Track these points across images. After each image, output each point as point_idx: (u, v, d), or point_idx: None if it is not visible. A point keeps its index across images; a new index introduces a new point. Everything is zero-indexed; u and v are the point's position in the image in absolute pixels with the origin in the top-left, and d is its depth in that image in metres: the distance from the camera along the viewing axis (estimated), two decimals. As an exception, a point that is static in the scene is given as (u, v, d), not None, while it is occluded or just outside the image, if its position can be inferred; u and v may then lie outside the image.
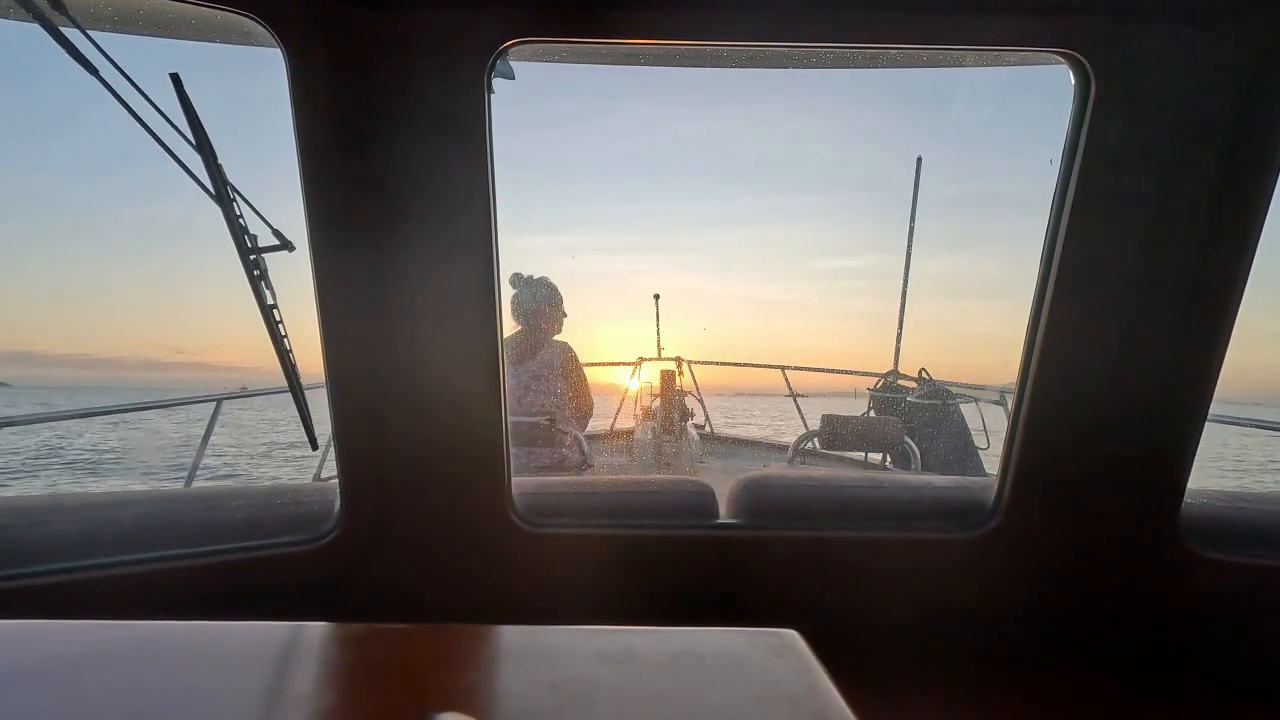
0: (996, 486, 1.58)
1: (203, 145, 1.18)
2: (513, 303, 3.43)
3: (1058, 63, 1.31)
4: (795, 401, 5.79)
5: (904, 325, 5.51)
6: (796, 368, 6.03)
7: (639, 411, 5.27)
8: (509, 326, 3.42)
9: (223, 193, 1.21)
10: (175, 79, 1.13)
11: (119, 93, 1.10)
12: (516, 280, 3.48)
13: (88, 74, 1.07)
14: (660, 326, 6.05)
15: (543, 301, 3.46)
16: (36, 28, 1.06)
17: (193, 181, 1.20)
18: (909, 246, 5.57)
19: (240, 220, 1.25)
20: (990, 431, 4.51)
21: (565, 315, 3.55)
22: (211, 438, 3.64)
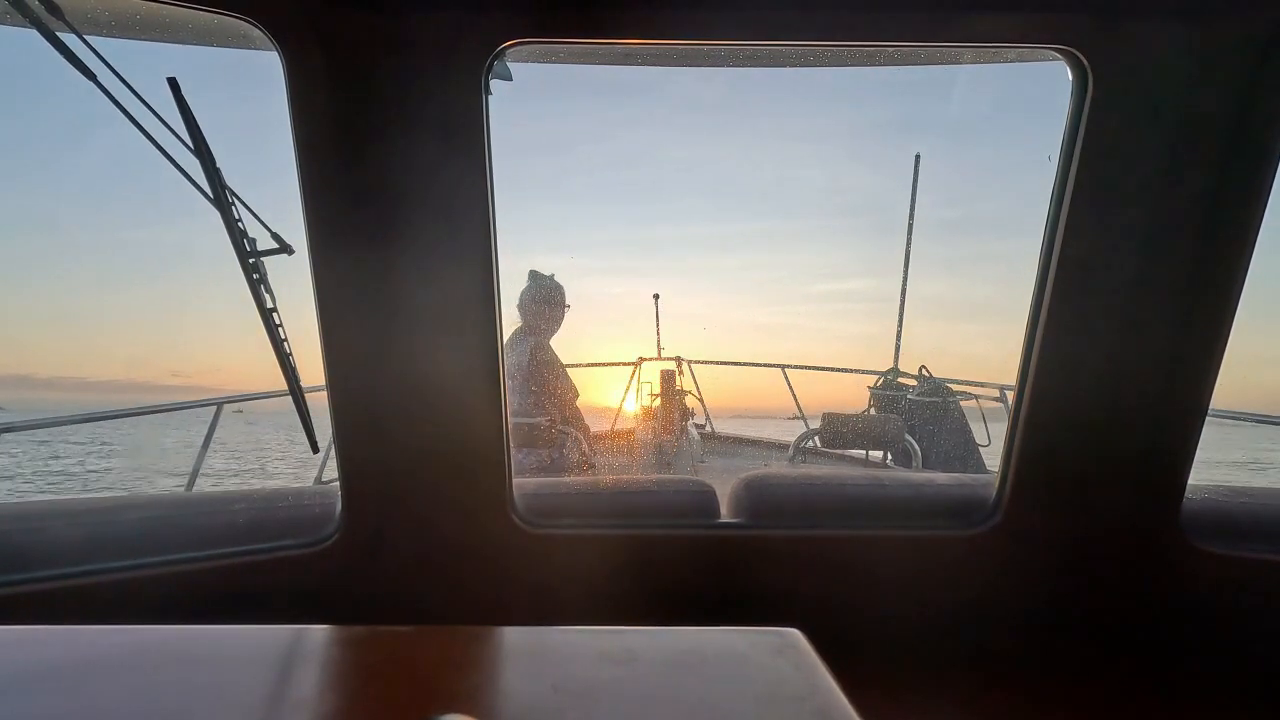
0: (998, 483, 1.58)
1: (201, 150, 1.18)
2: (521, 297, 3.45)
3: (1055, 59, 1.31)
4: (796, 402, 5.79)
5: (903, 324, 5.52)
6: (796, 366, 6.04)
7: (640, 412, 5.27)
8: (514, 322, 3.47)
9: (221, 197, 1.21)
10: (173, 83, 1.13)
11: (116, 98, 1.10)
12: (532, 276, 3.48)
13: (85, 80, 1.07)
14: (659, 328, 6.06)
15: (543, 300, 3.45)
16: (33, 33, 1.06)
17: (191, 192, 1.19)
18: (908, 243, 5.58)
19: (239, 224, 1.25)
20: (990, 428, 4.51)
21: (568, 306, 3.53)
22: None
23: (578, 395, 3.60)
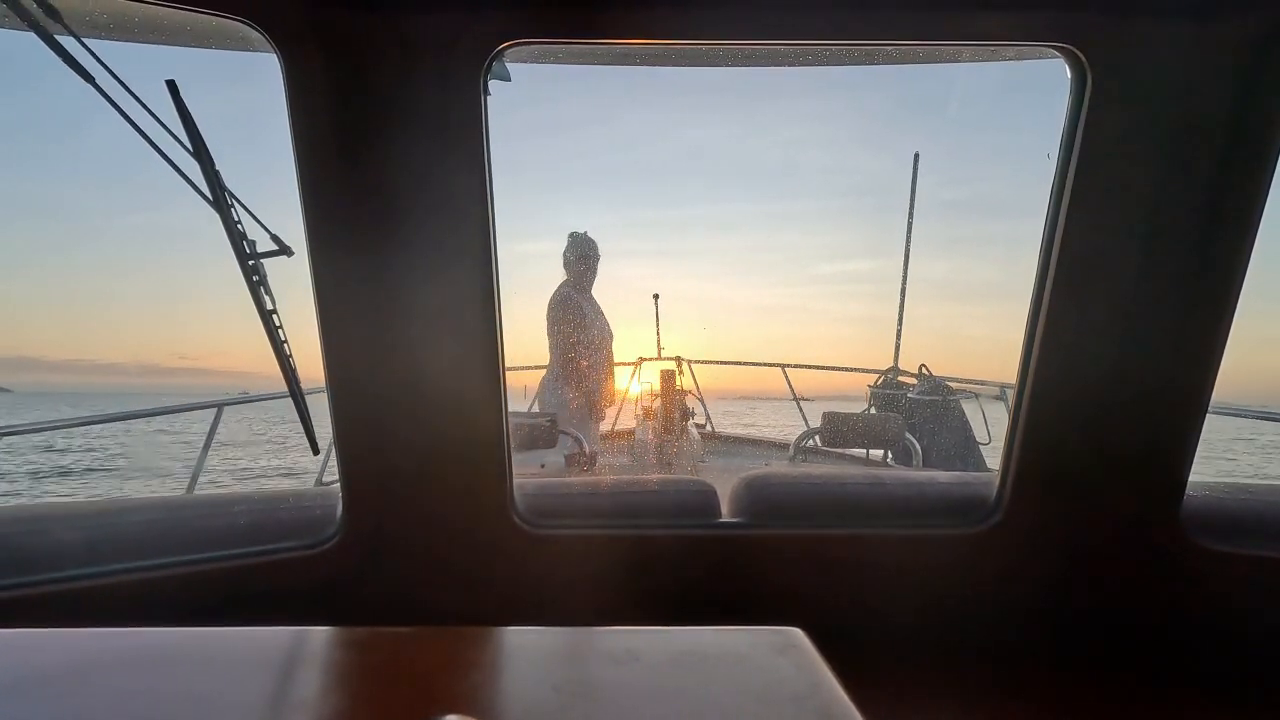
0: (998, 482, 1.57)
1: (200, 151, 1.18)
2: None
3: (1054, 57, 1.31)
4: (797, 402, 5.79)
5: (904, 321, 5.51)
6: (796, 365, 6.03)
7: (640, 412, 5.26)
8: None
9: (221, 199, 1.21)
10: (171, 85, 1.13)
11: (115, 100, 1.10)
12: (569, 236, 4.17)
13: (84, 82, 1.07)
14: (660, 327, 6.05)
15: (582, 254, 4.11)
16: (32, 36, 1.06)
17: (190, 189, 1.20)
18: (908, 240, 5.57)
19: (239, 226, 1.25)
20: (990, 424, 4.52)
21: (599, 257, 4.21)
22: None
23: (612, 337, 4.29)
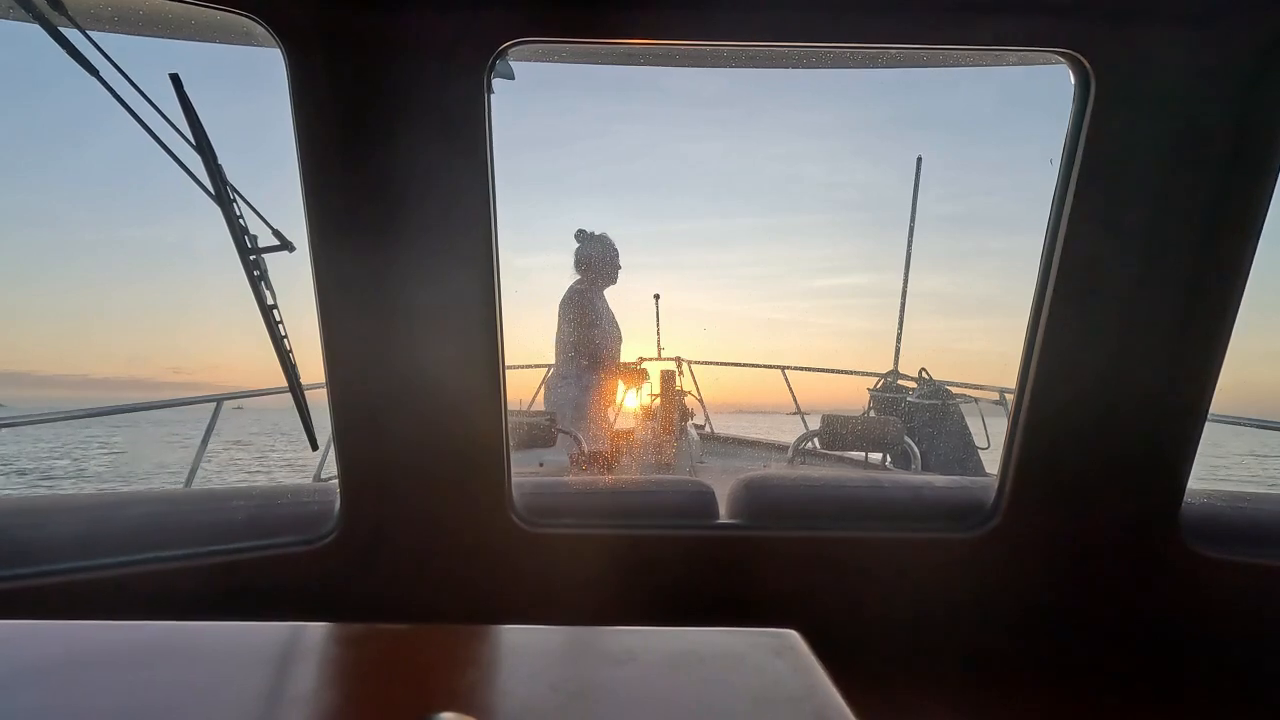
0: (997, 486, 1.57)
1: (203, 146, 1.18)
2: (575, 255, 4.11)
3: (1058, 63, 1.31)
4: (796, 403, 5.79)
5: (903, 326, 5.51)
6: (796, 367, 6.04)
7: (639, 412, 5.26)
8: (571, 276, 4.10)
9: (223, 193, 1.21)
10: (175, 79, 1.13)
11: (119, 93, 1.10)
12: (580, 235, 4.09)
13: (88, 75, 1.07)
14: (660, 328, 6.05)
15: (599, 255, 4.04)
16: (36, 28, 1.06)
17: (192, 189, 1.20)
18: (909, 242, 5.57)
19: (240, 221, 1.25)
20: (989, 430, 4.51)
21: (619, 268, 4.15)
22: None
23: (621, 340, 4.26)
